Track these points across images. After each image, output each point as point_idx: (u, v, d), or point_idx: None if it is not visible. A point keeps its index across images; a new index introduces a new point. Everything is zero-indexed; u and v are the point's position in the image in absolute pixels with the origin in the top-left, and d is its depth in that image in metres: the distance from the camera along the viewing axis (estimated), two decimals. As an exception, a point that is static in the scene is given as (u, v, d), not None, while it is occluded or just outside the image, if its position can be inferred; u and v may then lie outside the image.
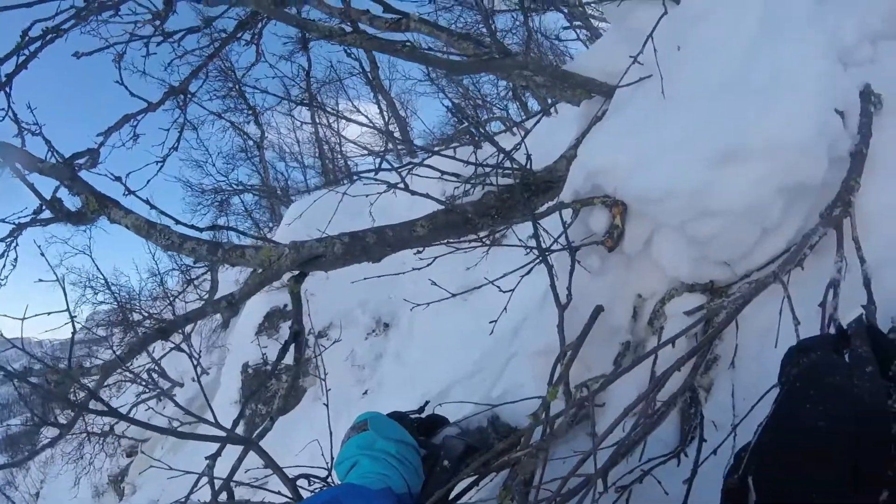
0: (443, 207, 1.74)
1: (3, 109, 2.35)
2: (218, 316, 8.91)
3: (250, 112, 11.12)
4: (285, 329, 6.30)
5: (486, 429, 1.60)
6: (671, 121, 1.31)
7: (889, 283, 1.07)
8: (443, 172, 1.97)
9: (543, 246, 1.43)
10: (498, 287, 1.58)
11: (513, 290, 1.62)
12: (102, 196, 1.88)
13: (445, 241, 1.73)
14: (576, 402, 1.30)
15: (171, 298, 11.03)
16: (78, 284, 11.34)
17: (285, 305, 6.12)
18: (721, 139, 1.18)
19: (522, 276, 1.55)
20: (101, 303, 11.78)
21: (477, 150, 2.16)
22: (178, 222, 1.90)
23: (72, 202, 2.06)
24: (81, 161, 2.31)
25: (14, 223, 2.24)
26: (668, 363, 1.13)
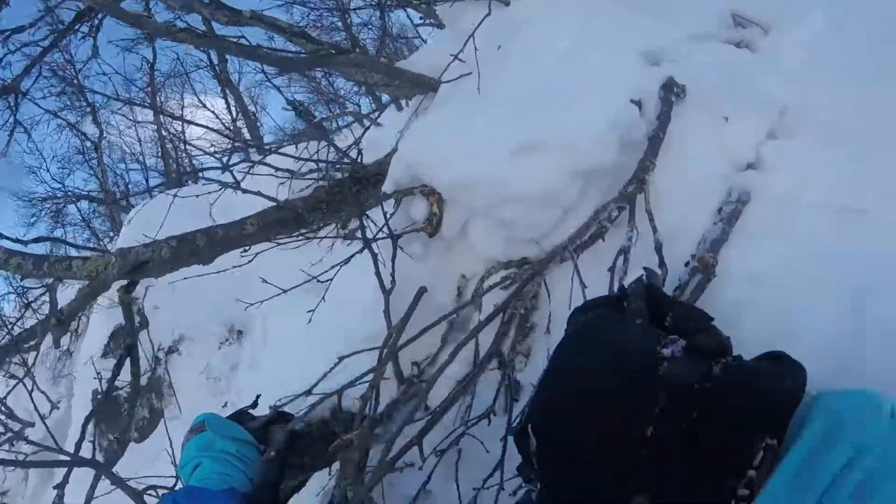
0: (273, 205, 1.77)
1: None
2: (63, 342, 8.24)
3: (88, 109, 10.27)
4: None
5: (329, 419, 1.65)
6: (483, 117, 1.42)
7: (679, 250, 1.23)
8: (277, 169, 1.99)
9: (370, 237, 1.50)
10: (317, 279, 1.63)
11: (331, 279, 1.66)
12: (-74, 217, 1.74)
13: (276, 237, 1.75)
14: (406, 379, 1.38)
15: (10, 326, 10.02)
16: None
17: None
18: (522, 134, 1.32)
19: (341, 266, 1.61)
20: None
21: (325, 145, 2.19)
22: (2, 236, 1.80)
23: None
24: None
25: None
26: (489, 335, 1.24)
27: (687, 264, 1.15)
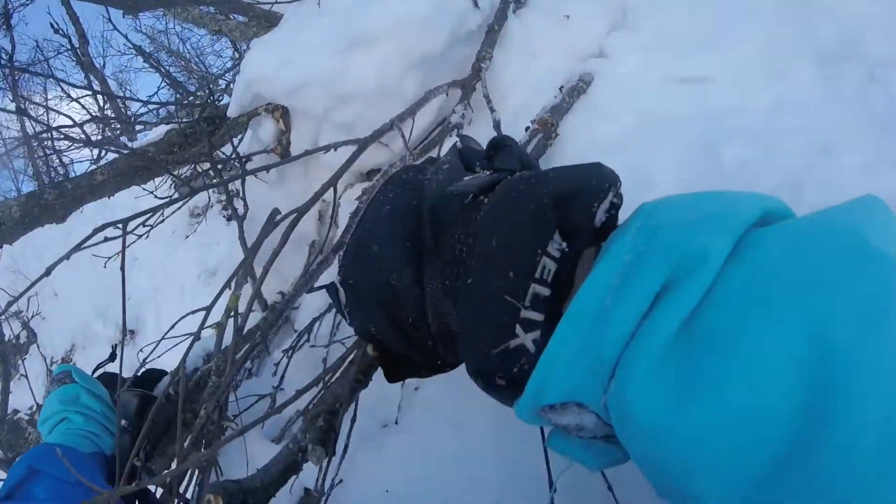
0: (125, 152, 1.69)
1: None
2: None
3: None
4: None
5: (201, 367, 1.59)
6: (318, 24, 1.40)
7: (521, 128, 1.24)
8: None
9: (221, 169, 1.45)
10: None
11: (162, 220, 1.57)
12: None
13: (131, 185, 1.67)
14: (269, 305, 1.35)
15: None
16: None
17: (17, 336, 5.46)
18: (352, 30, 1.31)
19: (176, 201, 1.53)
20: None
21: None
22: None
23: None
24: None
25: None
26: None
27: (527, 129, 1.17)
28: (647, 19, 1.44)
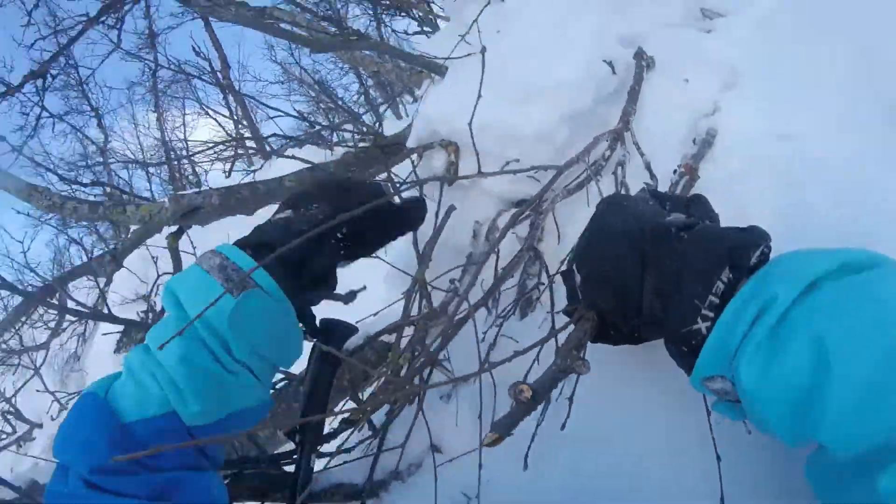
0: (308, 166, 2.08)
1: None
2: (70, 344, 8.43)
3: (94, 114, 10.25)
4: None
5: (363, 346, 1.68)
6: (487, 78, 1.73)
7: (660, 171, 1.57)
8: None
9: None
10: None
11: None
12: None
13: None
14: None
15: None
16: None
17: (143, 313, 5.98)
18: (525, 85, 1.68)
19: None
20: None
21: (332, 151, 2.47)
22: (61, 178, 2.07)
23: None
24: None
25: None
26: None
27: (675, 171, 1.49)
28: (749, 79, 1.73)
